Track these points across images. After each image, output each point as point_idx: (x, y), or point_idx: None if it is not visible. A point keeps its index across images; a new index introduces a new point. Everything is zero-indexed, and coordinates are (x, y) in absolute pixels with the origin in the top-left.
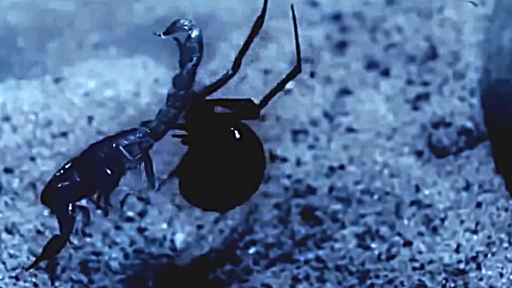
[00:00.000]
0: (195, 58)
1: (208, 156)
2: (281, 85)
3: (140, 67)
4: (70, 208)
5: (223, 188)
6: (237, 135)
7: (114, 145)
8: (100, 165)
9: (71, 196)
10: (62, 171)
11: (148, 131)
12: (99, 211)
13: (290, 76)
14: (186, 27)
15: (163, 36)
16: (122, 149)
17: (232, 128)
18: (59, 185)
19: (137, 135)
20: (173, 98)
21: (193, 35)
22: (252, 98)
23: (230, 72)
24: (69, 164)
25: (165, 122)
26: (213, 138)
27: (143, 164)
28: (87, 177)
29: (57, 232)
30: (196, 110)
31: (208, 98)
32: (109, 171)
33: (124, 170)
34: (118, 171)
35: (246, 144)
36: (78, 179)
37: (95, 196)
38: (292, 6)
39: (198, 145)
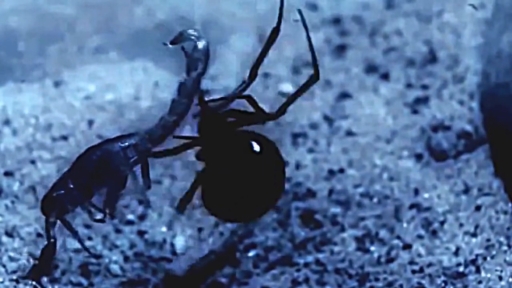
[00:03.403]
0: (200, 68)
1: (227, 168)
2: (299, 93)
3: (140, 71)
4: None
5: (246, 198)
6: (256, 148)
7: (108, 148)
8: (96, 169)
9: (68, 204)
10: (58, 180)
11: (147, 136)
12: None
13: (308, 84)
14: (193, 38)
15: (170, 46)
16: (114, 152)
17: (249, 141)
18: (55, 194)
19: (135, 139)
20: (176, 105)
21: (200, 46)
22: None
23: (245, 83)
24: (65, 172)
25: (164, 128)
26: (231, 149)
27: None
28: (83, 182)
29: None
30: (211, 124)
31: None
32: (107, 174)
33: (120, 173)
34: (114, 174)
35: (264, 153)
36: (72, 186)
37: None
38: (300, 12)
39: (216, 158)
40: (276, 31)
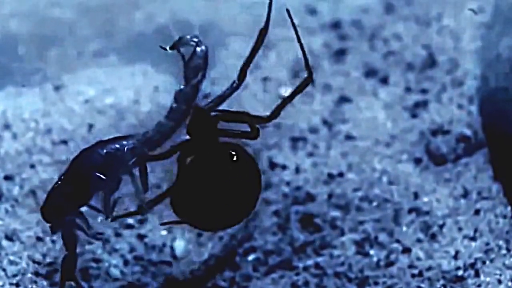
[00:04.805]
0: (200, 75)
1: (204, 175)
2: (293, 96)
3: (140, 75)
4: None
5: (217, 208)
6: (234, 158)
7: (104, 150)
8: (92, 171)
9: (68, 209)
10: (56, 185)
11: (143, 139)
12: (99, 218)
13: (302, 86)
14: (192, 43)
15: (169, 50)
16: (114, 156)
17: (230, 151)
18: (55, 202)
19: (131, 142)
20: (174, 112)
21: (199, 52)
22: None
23: (235, 83)
24: (62, 177)
25: (162, 133)
26: (212, 156)
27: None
28: (81, 186)
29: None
30: (201, 126)
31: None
32: (102, 177)
33: (117, 175)
34: (111, 175)
35: (241, 165)
36: (71, 191)
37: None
38: (288, 11)
39: (197, 163)
40: (264, 31)
